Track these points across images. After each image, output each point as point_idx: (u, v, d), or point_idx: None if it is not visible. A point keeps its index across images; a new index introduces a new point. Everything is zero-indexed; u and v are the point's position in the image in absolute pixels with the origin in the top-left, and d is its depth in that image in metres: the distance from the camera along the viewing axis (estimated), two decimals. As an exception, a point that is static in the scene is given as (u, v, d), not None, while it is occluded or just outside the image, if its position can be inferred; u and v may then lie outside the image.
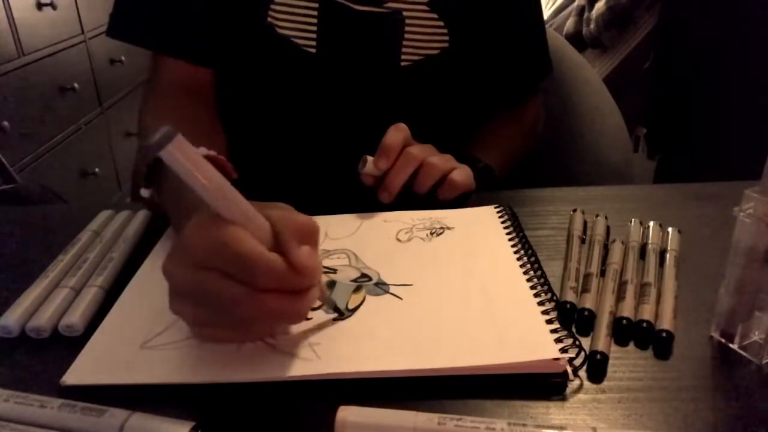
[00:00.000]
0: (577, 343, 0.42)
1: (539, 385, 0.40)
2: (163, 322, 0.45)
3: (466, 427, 0.35)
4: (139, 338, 0.45)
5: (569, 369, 0.41)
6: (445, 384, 0.41)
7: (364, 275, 0.51)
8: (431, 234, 0.57)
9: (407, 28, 0.71)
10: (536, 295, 0.47)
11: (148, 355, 0.43)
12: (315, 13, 0.69)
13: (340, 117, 0.74)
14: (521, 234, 0.56)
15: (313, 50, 0.70)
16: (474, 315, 0.45)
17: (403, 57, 0.72)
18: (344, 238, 0.57)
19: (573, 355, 0.41)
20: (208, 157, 0.55)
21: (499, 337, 0.43)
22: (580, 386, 0.40)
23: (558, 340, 0.42)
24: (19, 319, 0.47)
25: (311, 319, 0.46)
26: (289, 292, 0.38)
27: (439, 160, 0.63)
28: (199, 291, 0.38)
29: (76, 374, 0.42)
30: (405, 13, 0.71)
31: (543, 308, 0.46)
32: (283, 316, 0.40)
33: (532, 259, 0.52)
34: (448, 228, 0.58)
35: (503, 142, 0.80)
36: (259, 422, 0.39)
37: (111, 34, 0.70)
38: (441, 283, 0.50)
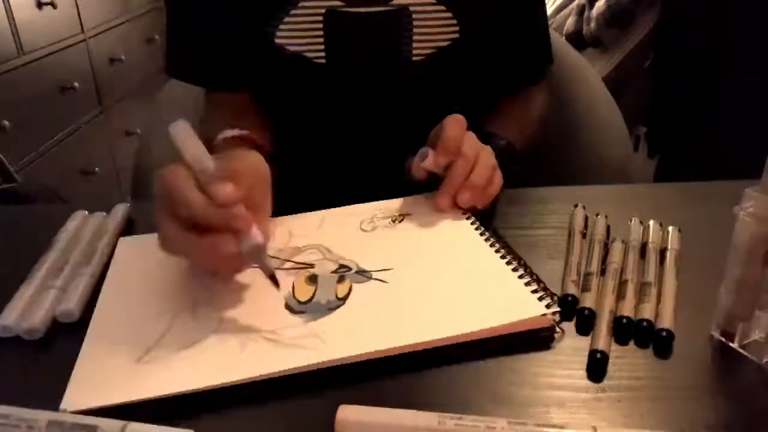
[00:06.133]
0: (549, 291, 0.46)
1: (528, 342, 0.44)
2: (151, 336, 0.45)
3: (466, 426, 0.35)
4: (132, 355, 0.43)
5: (555, 322, 0.45)
6: (443, 354, 0.43)
7: (342, 266, 0.53)
8: (393, 221, 0.59)
9: (416, 23, 0.71)
10: (508, 263, 0.51)
11: (147, 370, 0.42)
12: (321, 25, 0.70)
13: (359, 119, 0.75)
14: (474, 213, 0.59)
15: (323, 60, 0.71)
16: (457, 287, 0.49)
17: (414, 51, 0.72)
18: (309, 234, 0.58)
19: (557, 309, 0.45)
20: (240, 137, 0.63)
21: (488, 303, 0.46)
22: (580, 386, 0.40)
23: (540, 298, 0.46)
24: (18, 318, 0.47)
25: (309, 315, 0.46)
26: (216, 229, 0.46)
27: (481, 178, 0.60)
28: (156, 225, 0.47)
29: (75, 400, 0.40)
30: (412, 8, 0.71)
31: (517, 273, 0.49)
32: (215, 252, 0.46)
33: (489, 231, 0.55)
34: (408, 214, 0.60)
35: (516, 123, 0.79)
36: (258, 422, 0.39)
37: (171, 74, 0.79)
38: (418, 263, 0.52)
